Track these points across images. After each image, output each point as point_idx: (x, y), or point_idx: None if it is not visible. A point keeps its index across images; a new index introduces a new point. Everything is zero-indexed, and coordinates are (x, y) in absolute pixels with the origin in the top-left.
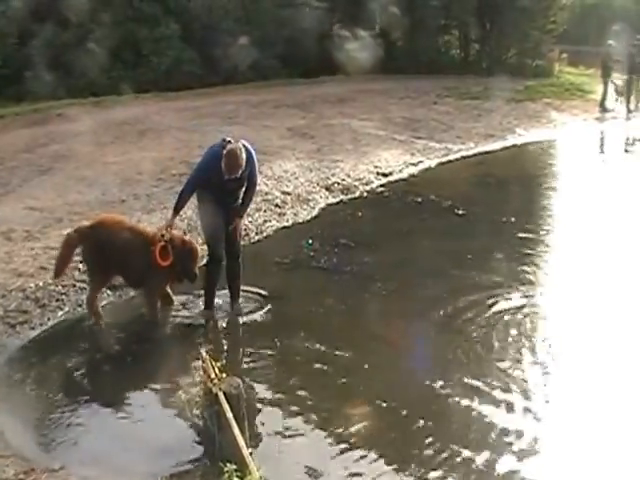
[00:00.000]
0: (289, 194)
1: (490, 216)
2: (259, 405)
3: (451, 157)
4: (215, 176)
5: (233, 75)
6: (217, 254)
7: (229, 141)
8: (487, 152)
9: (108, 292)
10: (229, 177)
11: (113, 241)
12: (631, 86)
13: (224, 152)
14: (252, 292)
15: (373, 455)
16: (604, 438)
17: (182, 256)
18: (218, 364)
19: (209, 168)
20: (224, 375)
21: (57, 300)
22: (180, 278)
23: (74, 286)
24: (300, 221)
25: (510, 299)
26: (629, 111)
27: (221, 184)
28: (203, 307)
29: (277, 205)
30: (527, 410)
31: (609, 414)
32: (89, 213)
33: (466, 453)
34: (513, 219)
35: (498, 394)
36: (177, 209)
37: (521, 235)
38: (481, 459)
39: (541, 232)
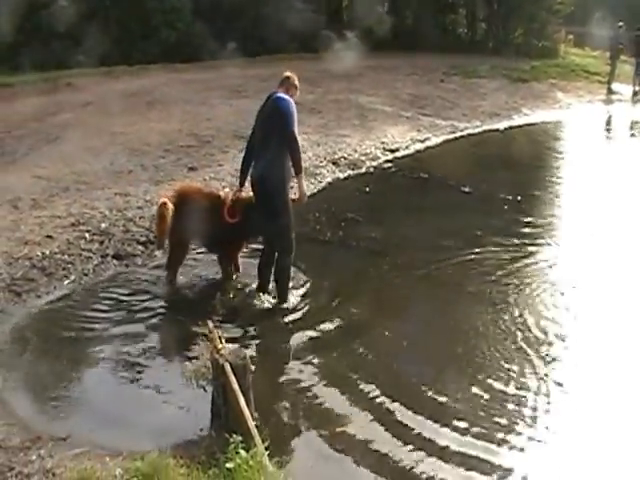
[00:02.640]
0: None
1: (496, 194)
2: (265, 376)
3: (457, 135)
4: None
5: (242, 49)
6: (293, 242)
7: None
8: (493, 130)
9: (114, 262)
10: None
11: (194, 207)
12: (637, 69)
13: (286, 78)
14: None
15: (377, 426)
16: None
17: (249, 213)
18: (225, 335)
19: (294, 110)
20: (230, 346)
21: (63, 269)
22: (250, 236)
23: (80, 255)
24: (307, 195)
25: (518, 275)
26: (635, 94)
27: None
28: (279, 299)
29: None
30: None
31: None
32: (96, 183)
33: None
34: (519, 197)
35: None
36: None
37: (526, 213)
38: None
39: (546, 211)
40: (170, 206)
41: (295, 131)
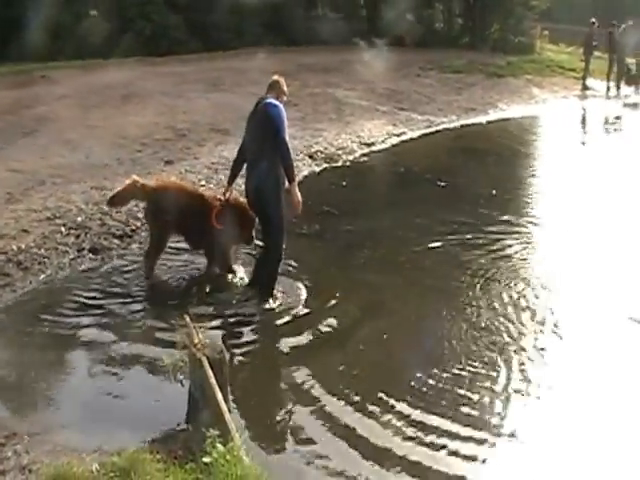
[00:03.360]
0: None
1: (471, 188)
2: (243, 371)
3: (433, 129)
4: None
5: (218, 42)
6: (282, 246)
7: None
8: (468, 125)
9: (90, 256)
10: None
11: (176, 204)
12: (611, 66)
13: (275, 83)
14: None
15: (355, 415)
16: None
17: (240, 219)
18: (202, 329)
19: (284, 117)
20: (208, 340)
21: (39, 263)
22: (239, 241)
23: (56, 249)
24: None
25: (495, 269)
26: (609, 89)
27: None
28: (260, 298)
29: None
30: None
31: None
32: (72, 176)
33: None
34: (494, 192)
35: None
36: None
37: (501, 207)
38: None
39: (520, 206)
40: (139, 185)
41: (286, 138)
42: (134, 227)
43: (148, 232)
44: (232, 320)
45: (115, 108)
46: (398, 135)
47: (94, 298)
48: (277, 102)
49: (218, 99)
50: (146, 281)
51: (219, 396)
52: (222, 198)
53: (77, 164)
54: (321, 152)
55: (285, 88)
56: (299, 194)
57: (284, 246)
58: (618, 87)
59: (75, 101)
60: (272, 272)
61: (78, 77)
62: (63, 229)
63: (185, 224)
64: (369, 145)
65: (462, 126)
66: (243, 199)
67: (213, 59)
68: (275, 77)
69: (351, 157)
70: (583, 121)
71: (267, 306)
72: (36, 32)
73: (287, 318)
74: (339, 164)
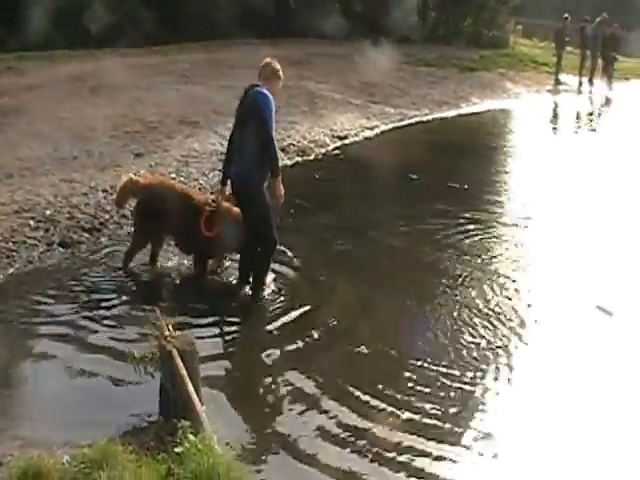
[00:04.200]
0: None
1: (443, 182)
2: (213, 362)
3: (406, 122)
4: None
5: (189, 34)
6: (275, 236)
7: (255, 84)
8: (441, 119)
9: (60, 250)
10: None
11: (166, 205)
12: (583, 61)
13: (266, 67)
14: None
15: (328, 402)
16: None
17: (230, 227)
18: (172, 321)
19: (272, 109)
20: (178, 332)
21: (7, 257)
22: (229, 250)
23: (25, 243)
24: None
25: (465, 262)
26: (581, 84)
27: None
28: (252, 296)
29: None
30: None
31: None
32: (40, 169)
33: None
34: (466, 186)
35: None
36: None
37: (473, 202)
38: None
39: (492, 199)
40: (135, 182)
41: (272, 132)
42: (103, 220)
43: (133, 228)
44: (211, 313)
45: (84, 100)
46: (371, 128)
47: (64, 291)
48: (266, 91)
49: (188, 91)
50: (123, 269)
51: (190, 387)
52: (213, 203)
53: (45, 157)
54: (294, 145)
55: (279, 71)
56: (282, 187)
57: (275, 236)
58: (591, 82)
59: (43, 93)
60: (264, 263)
61: (45, 68)
62: (32, 222)
63: (173, 226)
64: (342, 138)
65: (435, 120)
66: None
67: (183, 51)
68: (267, 60)
69: (323, 150)
70: (555, 116)
71: (259, 296)
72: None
73: (264, 313)
74: (312, 157)
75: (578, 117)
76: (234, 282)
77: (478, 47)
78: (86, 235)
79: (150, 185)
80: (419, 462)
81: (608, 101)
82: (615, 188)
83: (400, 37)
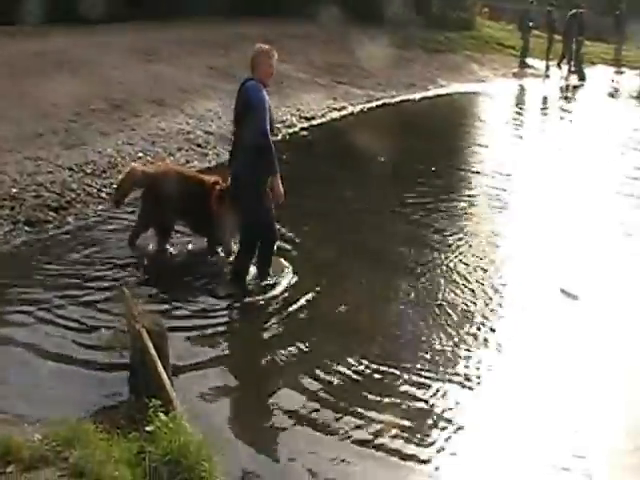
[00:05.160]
0: (212, 134)
1: (411, 164)
2: (186, 342)
3: (373, 104)
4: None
5: (155, 11)
6: (275, 231)
7: (248, 78)
8: (408, 100)
9: (26, 229)
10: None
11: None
12: (550, 45)
13: (256, 57)
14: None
15: (300, 380)
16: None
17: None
18: (141, 301)
19: (266, 100)
20: (147, 312)
21: None
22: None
23: None
24: (222, 161)
25: (434, 243)
26: (547, 69)
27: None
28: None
29: (199, 145)
30: None
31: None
32: (4, 146)
33: None
34: (433, 168)
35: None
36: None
37: (441, 184)
38: None
39: (459, 182)
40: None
41: (266, 129)
42: (69, 198)
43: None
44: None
45: (48, 77)
46: (338, 109)
47: (31, 271)
48: (257, 83)
49: (155, 70)
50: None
51: (160, 366)
52: (221, 182)
53: (9, 134)
54: None
55: (270, 58)
56: (281, 187)
57: (275, 227)
58: (559, 66)
59: (5, 69)
60: (267, 254)
61: (7, 44)
62: None
63: (184, 209)
64: (309, 119)
65: (402, 101)
66: None
67: (150, 29)
68: (257, 47)
69: (290, 131)
70: (522, 99)
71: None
72: None
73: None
74: (278, 138)
75: (545, 101)
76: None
77: (444, 29)
78: (52, 214)
79: (157, 172)
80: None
81: (575, 86)
82: (581, 173)
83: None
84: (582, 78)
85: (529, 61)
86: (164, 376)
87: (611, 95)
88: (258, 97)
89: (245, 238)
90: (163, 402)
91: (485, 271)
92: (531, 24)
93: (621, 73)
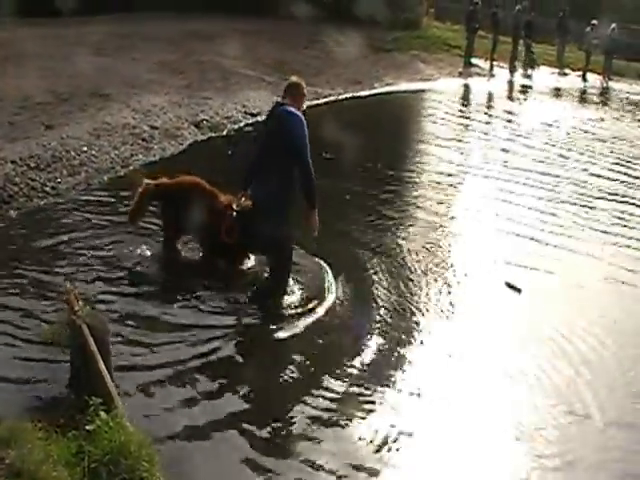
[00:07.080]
0: (157, 129)
1: (357, 161)
2: (128, 339)
3: (320, 101)
4: None
5: (102, 6)
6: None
7: (281, 103)
8: (355, 98)
9: None
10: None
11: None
12: (495, 46)
13: (293, 86)
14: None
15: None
16: None
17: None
18: (82, 297)
19: (306, 133)
20: (88, 308)
21: None
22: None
23: None
24: (167, 156)
25: (381, 237)
26: (492, 68)
27: None
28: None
29: (144, 139)
30: None
31: None
32: None
33: None
34: (379, 165)
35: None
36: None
37: (386, 179)
38: None
39: (404, 178)
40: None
41: (309, 161)
42: (12, 192)
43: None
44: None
45: None
46: None
47: None
48: (296, 110)
49: (101, 64)
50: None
51: (101, 364)
52: (234, 207)
53: None
54: (207, 121)
55: (305, 91)
56: (317, 219)
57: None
58: (512, 69)
59: None
60: (281, 281)
61: None
62: None
63: (195, 227)
64: (254, 115)
65: (348, 99)
66: None
67: (96, 23)
68: (294, 78)
69: (236, 126)
70: (466, 98)
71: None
72: None
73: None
74: (224, 133)
75: (490, 99)
76: None
77: (391, 28)
78: None
79: (174, 185)
80: None
81: (522, 86)
82: (525, 170)
83: (315, 16)
84: (529, 77)
85: (474, 61)
86: (105, 373)
87: (554, 95)
88: (301, 125)
89: (276, 262)
90: (104, 400)
91: (433, 272)
92: (477, 25)
93: (564, 75)
